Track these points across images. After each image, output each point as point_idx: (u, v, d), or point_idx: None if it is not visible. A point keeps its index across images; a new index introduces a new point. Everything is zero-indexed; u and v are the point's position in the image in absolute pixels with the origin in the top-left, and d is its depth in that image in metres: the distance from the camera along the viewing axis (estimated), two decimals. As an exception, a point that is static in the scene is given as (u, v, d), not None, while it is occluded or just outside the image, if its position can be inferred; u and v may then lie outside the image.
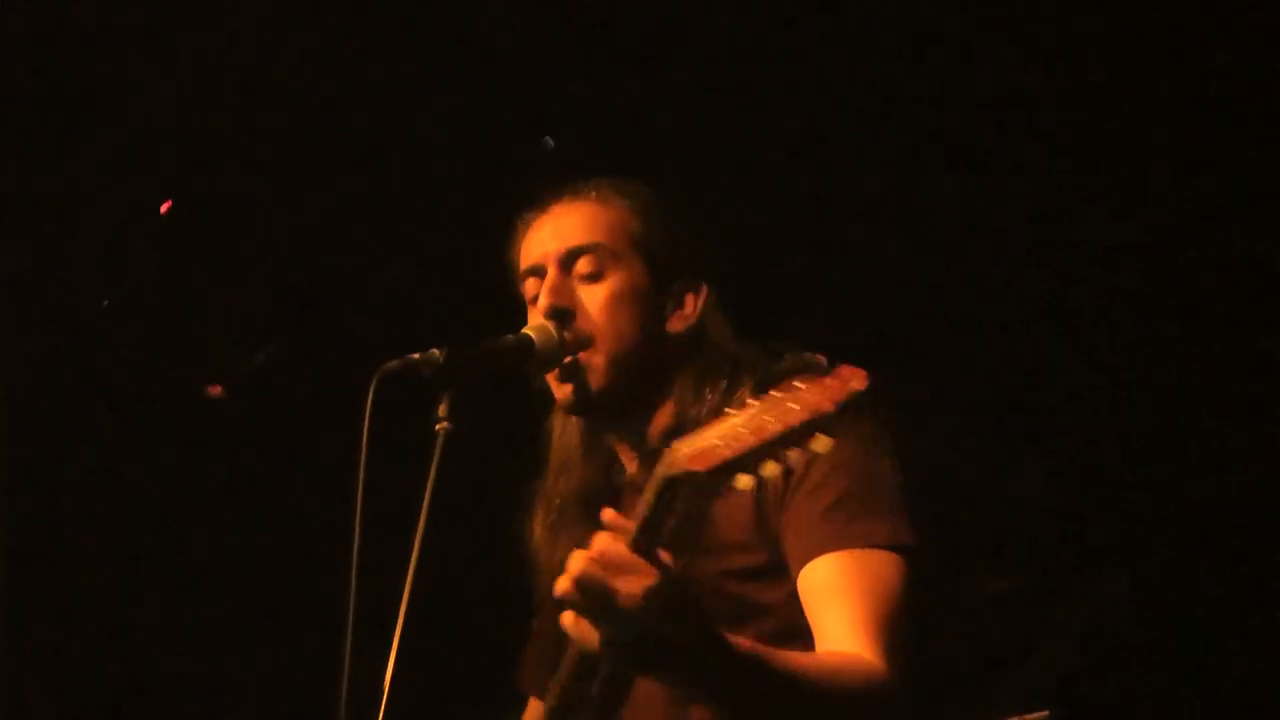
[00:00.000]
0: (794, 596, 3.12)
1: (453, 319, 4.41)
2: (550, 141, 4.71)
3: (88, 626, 5.33)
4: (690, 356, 3.36)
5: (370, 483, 3.03)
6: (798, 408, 2.52)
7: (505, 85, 4.70)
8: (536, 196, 3.47)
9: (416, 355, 3.16)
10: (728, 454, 2.55)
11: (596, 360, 3.32)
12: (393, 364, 3.16)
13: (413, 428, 3.10)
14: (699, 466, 2.58)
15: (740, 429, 2.55)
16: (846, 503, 3.11)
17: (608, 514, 2.70)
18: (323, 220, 4.96)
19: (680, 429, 3.04)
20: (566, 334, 3.31)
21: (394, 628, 2.93)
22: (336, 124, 4.83)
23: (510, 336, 3.29)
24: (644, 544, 2.64)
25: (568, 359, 3.30)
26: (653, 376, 3.35)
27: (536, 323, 3.34)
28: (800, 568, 3.11)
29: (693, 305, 3.40)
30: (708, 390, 3.29)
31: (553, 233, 3.41)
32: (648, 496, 2.67)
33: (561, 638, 2.73)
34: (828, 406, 2.51)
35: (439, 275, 4.98)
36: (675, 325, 3.38)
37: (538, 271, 3.41)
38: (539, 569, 3.46)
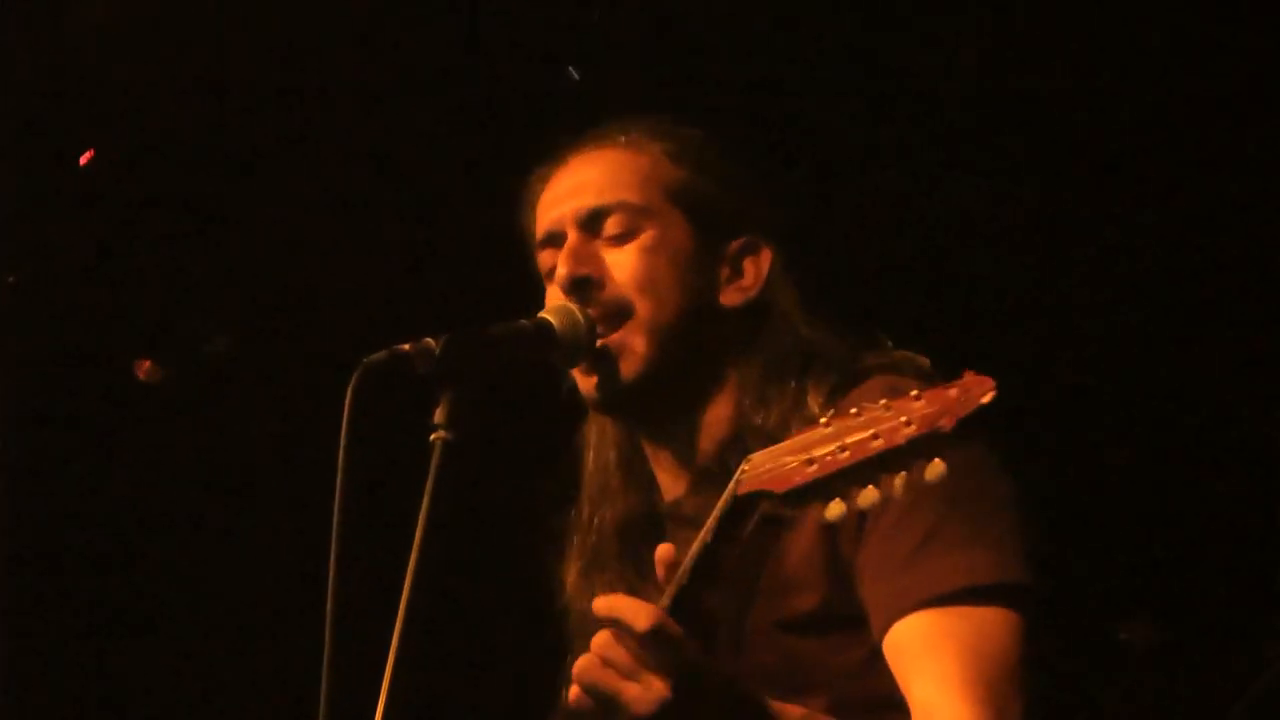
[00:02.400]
0: (874, 656, 2.59)
1: (456, 302, 4.28)
2: (574, 74, 4.30)
3: (77, 628, 5.27)
4: (750, 341, 2.80)
5: (357, 492, 2.61)
6: (908, 422, 2.09)
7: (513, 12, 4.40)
8: (552, 147, 2.92)
9: (407, 346, 2.63)
10: (816, 473, 2.16)
11: (633, 340, 2.75)
12: (378, 356, 2.63)
13: (414, 427, 2.68)
14: (778, 487, 2.20)
15: (834, 444, 2.15)
16: (939, 536, 2.56)
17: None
18: (307, 194, 4.83)
19: (740, 439, 2.64)
20: (592, 311, 2.75)
21: (386, 659, 2.56)
22: (317, 91, 4.70)
23: (524, 321, 2.74)
24: (684, 610, 2.32)
25: (598, 344, 2.75)
26: (702, 365, 2.79)
27: (556, 303, 2.77)
28: (885, 624, 2.57)
29: (753, 273, 2.82)
30: (774, 389, 2.74)
31: (570, 189, 2.84)
32: (709, 525, 2.30)
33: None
34: (947, 424, 2.08)
35: (439, 252, 4.78)
36: (731, 297, 2.81)
37: (554, 239, 2.84)
38: (571, 621, 2.95)
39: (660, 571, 2.38)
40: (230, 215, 4.86)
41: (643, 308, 2.75)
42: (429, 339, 2.63)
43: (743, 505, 2.26)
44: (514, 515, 3.04)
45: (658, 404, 2.79)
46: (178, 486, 5.17)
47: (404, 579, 2.57)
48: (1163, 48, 4.16)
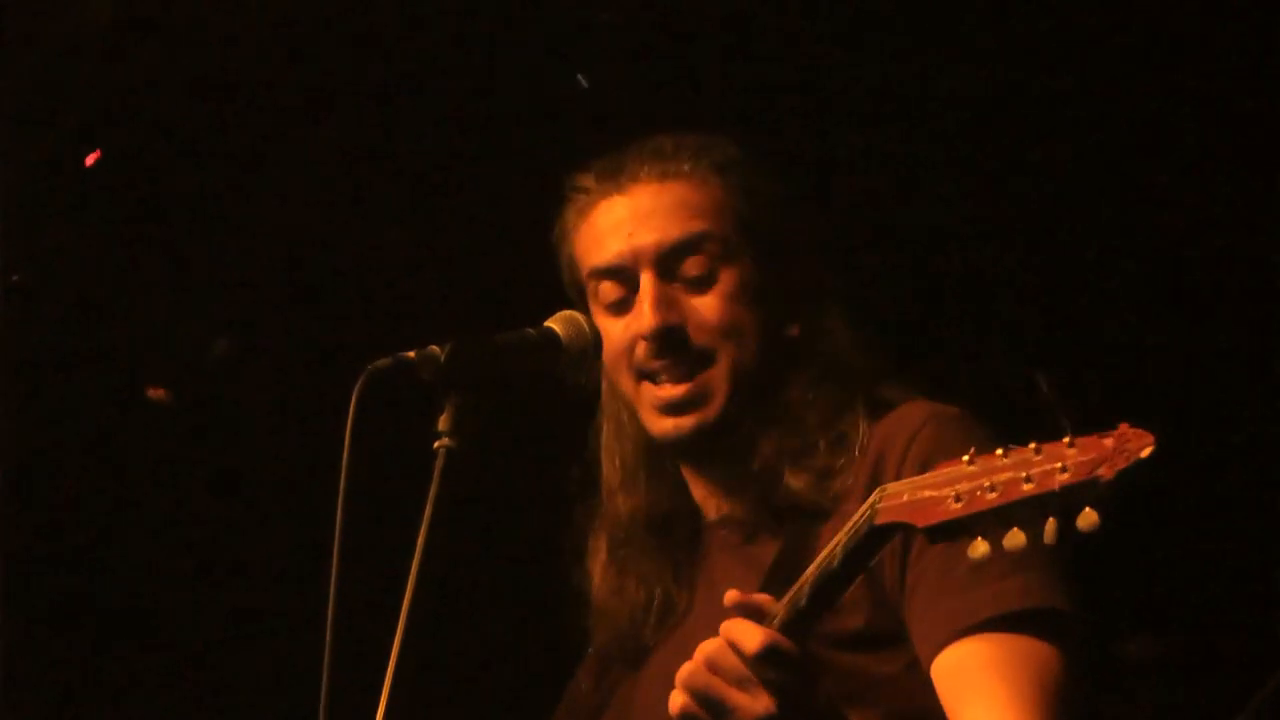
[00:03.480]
0: (914, 666, 2.60)
1: (463, 310, 4.28)
2: (583, 81, 4.27)
3: (77, 630, 5.21)
4: (802, 363, 2.82)
5: (360, 498, 2.59)
6: (1063, 468, 2.07)
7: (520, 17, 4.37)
8: (604, 163, 2.89)
9: (412, 353, 2.63)
10: (962, 511, 2.13)
11: (717, 385, 2.78)
12: (383, 362, 2.63)
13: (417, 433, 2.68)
14: (920, 521, 2.18)
15: (982, 482, 2.13)
16: (991, 562, 2.47)
17: (731, 596, 2.36)
18: (311, 197, 4.80)
19: (796, 460, 2.69)
20: (678, 359, 2.78)
21: (386, 666, 2.54)
22: (321, 92, 4.66)
23: (530, 329, 2.74)
24: (798, 630, 2.32)
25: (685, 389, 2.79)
26: (768, 393, 2.81)
27: (564, 313, 2.76)
28: (934, 650, 2.56)
29: (812, 299, 2.85)
30: (830, 411, 2.77)
31: (640, 222, 2.82)
32: (834, 552, 2.29)
33: (610, 706, 2.50)
34: (1106, 474, 2.05)
35: (447, 258, 4.72)
36: (796, 328, 2.84)
37: (619, 274, 2.83)
38: (597, 612, 2.94)
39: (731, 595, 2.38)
40: (231, 217, 4.84)
41: (726, 354, 2.77)
42: (434, 346, 2.62)
43: (878, 534, 2.25)
44: (516, 521, 3.03)
45: (725, 439, 2.81)
46: (179, 489, 5.15)
47: (405, 586, 2.55)
48: (1168, 47, 4.16)
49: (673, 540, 2.85)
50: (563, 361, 2.73)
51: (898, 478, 2.56)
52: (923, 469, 2.55)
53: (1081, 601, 2.57)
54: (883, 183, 4.34)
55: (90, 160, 4.56)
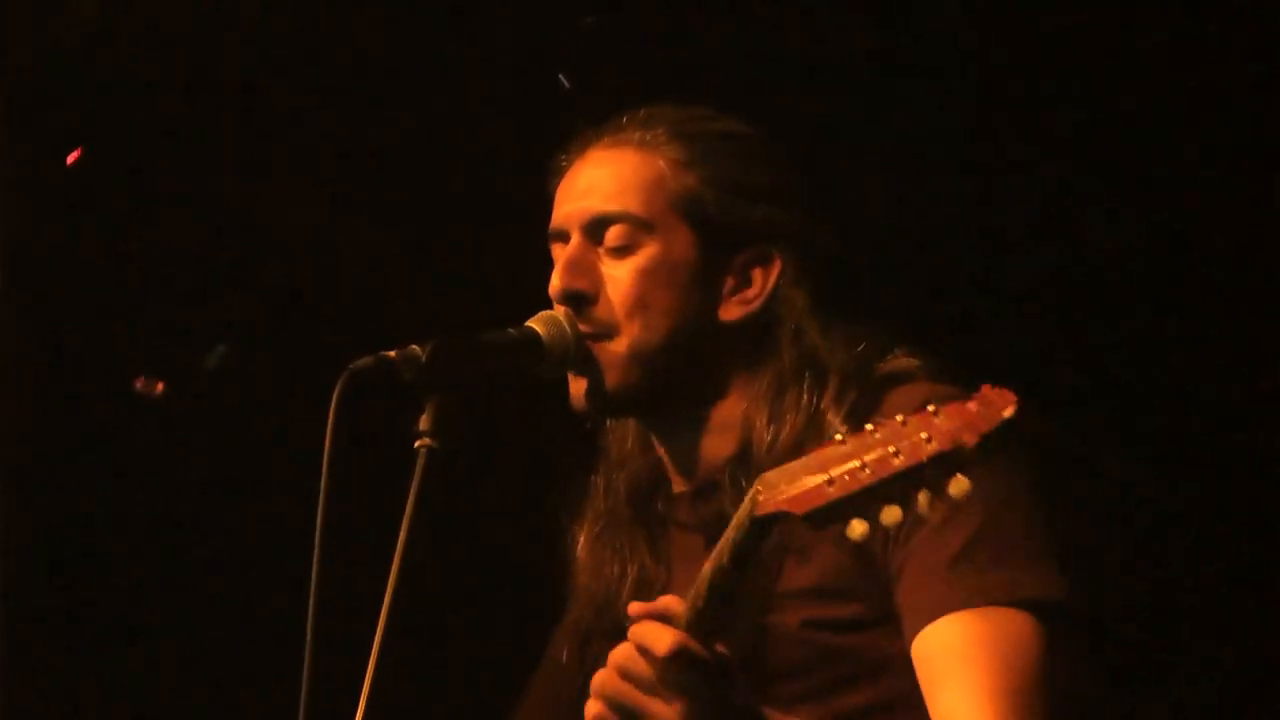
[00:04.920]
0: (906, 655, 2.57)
1: (444, 309, 4.17)
2: (565, 81, 4.23)
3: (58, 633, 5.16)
4: (756, 352, 2.76)
5: (341, 498, 2.62)
6: (929, 438, 2.05)
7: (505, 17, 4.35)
8: (577, 131, 2.88)
9: (393, 352, 2.63)
10: (836, 494, 2.10)
11: (616, 356, 2.73)
12: (364, 362, 2.63)
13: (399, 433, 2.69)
14: (798, 509, 2.13)
15: (853, 462, 2.09)
16: (978, 548, 2.53)
17: (635, 608, 2.32)
18: (293, 197, 4.76)
19: (748, 456, 2.64)
20: (583, 326, 2.73)
21: (367, 667, 2.56)
22: (309, 91, 4.62)
23: (511, 330, 2.74)
24: (701, 629, 2.27)
25: (585, 347, 2.74)
26: (698, 379, 2.75)
27: (544, 313, 2.76)
28: (915, 632, 2.53)
29: (760, 284, 2.76)
30: (786, 403, 2.70)
31: (581, 188, 2.79)
32: (722, 548, 2.25)
33: (584, 677, 2.44)
34: (969, 439, 2.03)
35: (427, 257, 4.66)
36: (732, 311, 2.75)
37: (560, 236, 2.81)
38: (575, 581, 2.93)
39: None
40: (215, 220, 4.82)
41: (630, 329, 2.72)
42: (415, 345, 2.63)
43: (760, 527, 2.20)
44: (499, 521, 3.03)
45: (652, 410, 2.78)
46: (159, 489, 5.10)
47: (386, 586, 2.55)
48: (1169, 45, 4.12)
49: (649, 511, 2.82)
50: (544, 361, 2.73)
51: None
52: None
53: (1070, 587, 2.54)
54: (881, 179, 4.29)
55: (71, 159, 4.56)
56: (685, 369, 2.73)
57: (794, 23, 4.25)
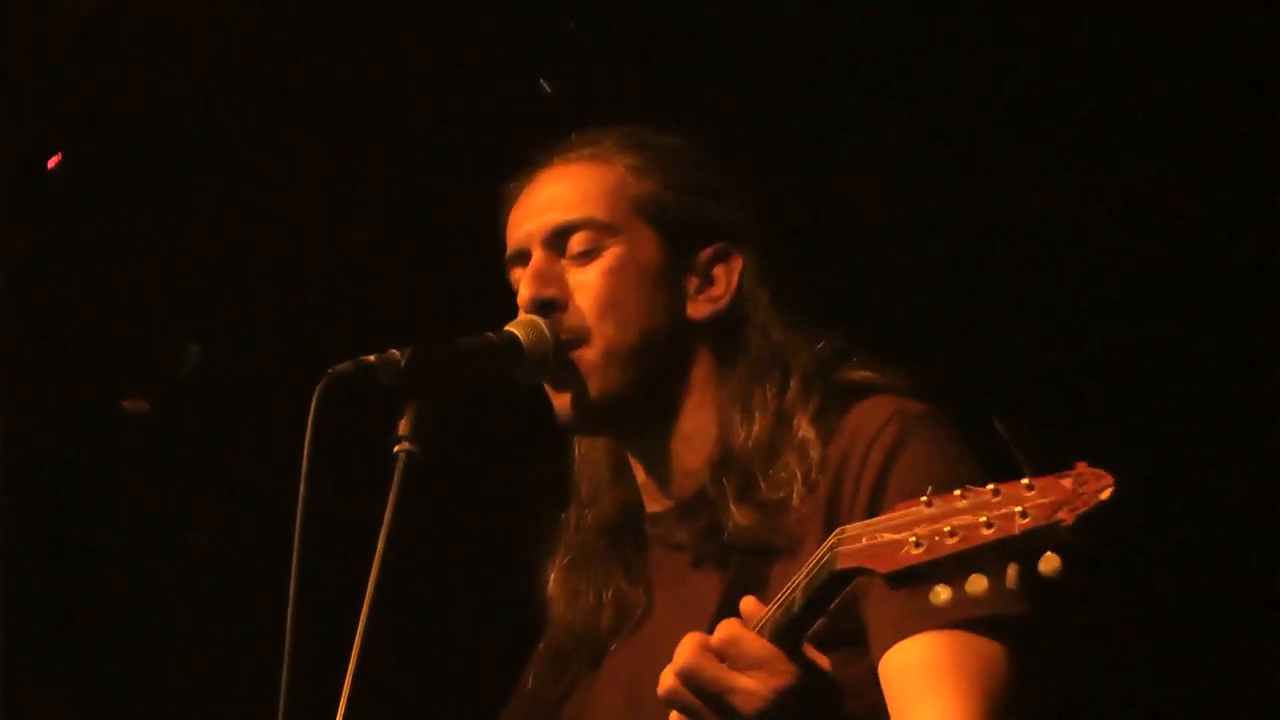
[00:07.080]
0: (874, 672, 2.57)
1: (424, 314, 4.19)
2: (546, 85, 4.24)
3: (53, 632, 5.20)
4: (725, 352, 2.78)
5: (320, 502, 2.59)
6: (1023, 514, 2.04)
7: (488, 23, 4.34)
8: (524, 159, 2.90)
9: (372, 357, 2.62)
10: (923, 556, 2.11)
11: (595, 362, 2.73)
12: (343, 366, 2.62)
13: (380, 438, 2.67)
14: (881, 567, 2.16)
15: (940, 526, 2.10)
16: None
17: (748, 603, 2.35)
18: (275, 201, 4.75)
19: (725, 458, 2.65)
20: (561, 332, 2.74)
21: (346, 670, 2.55)
22: (296, 92, 4.62)
23: (490, 334, 2.74)
24: (789, 639, 2.31)
25: (565, 359, 2.74)
26: (673, 379, 2.77)
27: (523, 317, 2.76)
28: (881, 650, 2.54)
29: (724, 282, 2.79)
30: (755, 402, 2.72)
31: (537, 206, 2.82)
32: (798, 596, 2.29)
33: (569, 702, 2.47)
34: (1066, 518, 2.02)
35: (405, 262, 4.66)
36: (700, 309, 2.78)
37: (521, 258, 2.82)
38: (550, 617, 2.91)
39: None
40: (194, 223, 4.80)
41: (603, 331, 2.73)
42: (394, 350, 2.62)
43: (840, 580, 2.23)
44: (478, 526, 3.02)
45: (630, 420, 2.78)
46: (143, 493, 5.10)
47: (365, 590, 2.55)
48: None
49: (623, 540, 2.83)
50: (523, 366, 2.73)
51: (856, 494, 2.59)
52: (884, 476, 2.58)
53: (1039, 600, 2.54)
54: (864, 181, 4.31)
55: (52, 163, 4.56)
56: (660, 369, 2.75)
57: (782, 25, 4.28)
